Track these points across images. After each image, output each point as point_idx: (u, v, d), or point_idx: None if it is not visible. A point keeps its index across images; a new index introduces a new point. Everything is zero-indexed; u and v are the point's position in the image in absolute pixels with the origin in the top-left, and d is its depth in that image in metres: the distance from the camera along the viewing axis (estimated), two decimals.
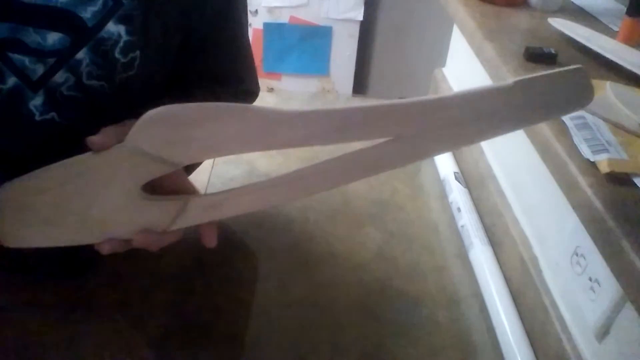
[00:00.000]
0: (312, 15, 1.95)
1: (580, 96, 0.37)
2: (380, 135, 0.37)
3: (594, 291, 0.45)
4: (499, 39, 0.65)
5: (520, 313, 0.56)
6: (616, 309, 0.43)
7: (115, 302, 0.55)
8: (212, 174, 0.73)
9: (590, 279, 0.46)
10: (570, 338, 0.48)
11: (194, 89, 0.54)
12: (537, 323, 0.53)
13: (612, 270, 0.38)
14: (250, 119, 0.36)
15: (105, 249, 0.42)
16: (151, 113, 0.36)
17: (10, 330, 0.51)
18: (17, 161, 0.46)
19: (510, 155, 0.68)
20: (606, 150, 0.44)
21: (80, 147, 0.39)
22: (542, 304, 0.52)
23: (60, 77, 0.43)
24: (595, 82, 0.55)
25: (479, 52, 0.68)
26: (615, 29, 0.70)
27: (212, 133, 0.36)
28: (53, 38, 0.42)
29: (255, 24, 1.96)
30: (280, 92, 1.95)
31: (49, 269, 0.55)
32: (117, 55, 0.45)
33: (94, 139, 0.38)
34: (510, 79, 0.35)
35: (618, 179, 0.42)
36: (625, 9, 0.66)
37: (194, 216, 0.41)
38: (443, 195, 0.75)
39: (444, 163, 0.80)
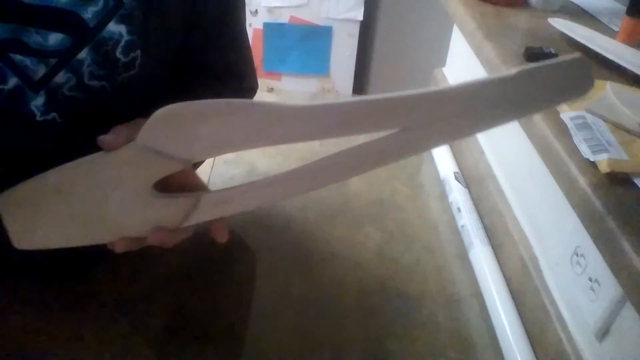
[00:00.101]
0: (312, 15, 1.95)
1: (581, 84, 0.37)
2: (386, 127, 0.37)
3: (594, 291, 0.45)
4: (499, 39, 0.65)
5: (520, 313, 0.56)
6: (616, 309, 0.43)
7: (115, 302, 0.55)
8: (212, 174, 0.73)
9: (590, 279, 0.46)
10: (570, 338, 0.48)
11: (195, 87, 0.54)
12: (537, 323, 0.53)
13: (612, 270, 0.38)
14: (259, 114, 0.36)
15: (119, 248, 0.42)
16: (161, 111, 0.36)
17: (11, 331, 0.51)
18: (17, 161, 0.46)
19: (510, 155, 0.68)
20: (606, 150, 0.44)
21: (80, 148, 0.40)
22: (542, 304, 0.52)
23: (61, 77, 0.43)
24: (595, 82, 0.55)
25: (479, 52, 0.68)
26: (615, 29, 0.70)
27: (222, 129, 0.37)
28: (55, 38, 0.42)
29: (255, 24, 1.96)
30: (280, 92, 1.95)
31: (49, 269, 0.56)
32: (118, 55, 0.45)
33: (105, 138, 0.38)
34: (512, 69, 0.35)
35: (618, 179, 0.42)
36: (625, 9, 0.66)
37: (205, 212, 0.41)
38: (443, 195, 0.75)
39: (444, 163, 0.80)
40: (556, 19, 0.70)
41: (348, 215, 0.71)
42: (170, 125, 0.37)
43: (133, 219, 0.41)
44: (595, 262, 0.45)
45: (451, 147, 0.84)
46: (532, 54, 0.60)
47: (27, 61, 0.42)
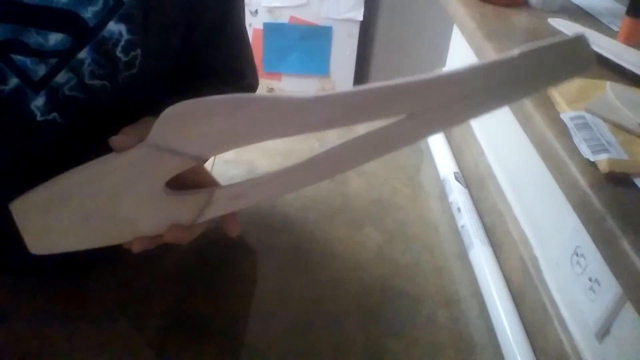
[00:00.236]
0: (312, 15, 1.95)
1: (583, 61, 0.38)
2: (392, 113, 0.38)
3: (594, 291, 0.45)
4: (499, 39, 0.65)
5: (520, 313, 0.56)
6: (616, 309, 0.43)
7: (115, 302, 0.55)
8: (212, 174, 0.73)
9: (590, 279, 0.46)
10: (570, 338, 0.48)
11: (196, 86, 0.54)
12: (537, 323, 0.53)
13: (612, 270, 0.38)
14: (268, 107, 0.37)
15: (135, 247, 0.42)
16: (171, 109, 0.36)
17: (11, 331, 0.51)
18: (18, 162, 0.46)
19: (510, 155, 0.68)
20: (606, 150, 0.44)
21: (81, 148, 0.40)
22: (542, 304, 0.52)
23: (62, 77, 0.43)
24: (595, 82, 0.55)
25: (479, 52, 0.68)
26: (615, 29, 0.70)
27: (233, 124, 0.37)
28: (55, 38, 0.42)
29: (255, 24, 1.97)
30: (280, 92, 1.95)
31: (49, 270, 0.56)
32: (118, 54, 0.45)
33: (115, 139, 0.39)
34: (515, 50, 0.36)
35: (618, 179, 0.42)
36: (625, 9, 0.66)
37: (219, 207, 0.41)
38: (443, 195, 0.75)
39: (444, 163, 0.80)
40: (556, 19, 0.70)
41: (348, 215, 0.71)
42: (181, 122, 0.37)
43: (148, 218, 0.41)
44: (595, 262, 0.45)
45: (451, 147, 0.84)
46: None
47: (28, 61, 0.42)
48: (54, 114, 0.44)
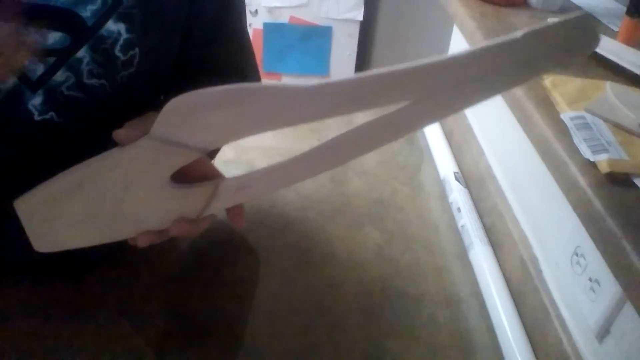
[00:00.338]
0: (312, 15, 1.95)
1: (587, 40, 0.37)
2: (400, 98, 0.37)
3: (594, 291, 0.45)
4: None
5: (520, 313, 0.56)
6: (616, 309, 0.43)
7: (115, 303, 0.55)
8: None
9: (590, 279, 0.46)
10: (570, 338, 0.48)
11: (197, 84, 0.54)
12: (537, 323, 0.53)
13: (612, 270, 0.38)
14: (272, 95, 0.36)
15: (141, 242, 0.42)
16: (174, 101, 0.36)
17: (11, 331, 0.51)
18: (16, 161, 0.46)
19: (510, 155, 0.68)
20: (606, 150, 0.44)
21: (79, 147, 0.39)
22: (542, 304, 0.52)
23: (60, 76, 0.43)
24: (595, 82, 0.55)
25: None
26: (615, 29, 0.70)
27: (237, 114, 0.37)
28: (53, 37, 0.42)
29: (255, 24, 1.96)
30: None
31: (49, 269, 0.56)
32: (117, 53, 0.45)
33: (119, 133, 0.38)
34: (518, 32, 0.36)
35: (618, 179, 0.42)
36: (625, 9, 0.66)
37: (225, 199, 0.41)
38: (443, 195, 0.75)
39: (444, 163, 0.80)
40: (556, 19, 0.69)
41: (348, 215, 0.71)
42: (184, 114, 0.36)
43: (153, 212, 0.41)
44: (595, 262, 0.45)
45: (451, 147, 0.84)
46: None
47: (26, 60, 0.42)
48: (51, 113, 0.44)
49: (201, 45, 0.53)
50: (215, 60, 0.56)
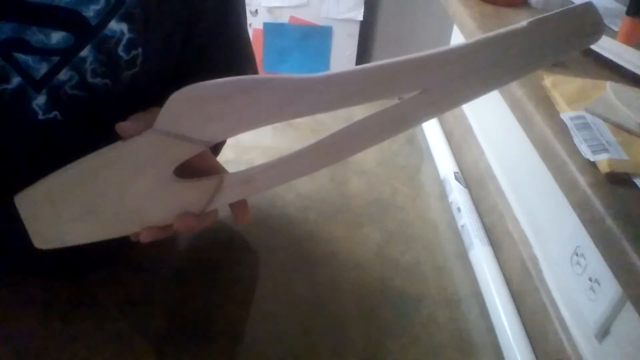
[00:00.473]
0: (312, 15, 1.95)
1: (592, 29, 0.37)
2: (406, 89, 0.37)
3: (594, 291, 0.45)
4: None
5: (520, 313, 0.56)
6: (616, 309, 0.43)
7: (115, 302, 0.55)
8: None
9: (590, 279, 0.46)
10: (570, 338, 0.48)
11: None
12: (537, 323, 0.53)
13: (612, 270, 0.38)
14: (276, 88, 0.36)
15: (144, 238, 0.42)
16: (178, 94, 0.36)
17: (11, 331, 0.51)
18: (20, 161, 0.46)
19: (510, 155, 0.68)
20: (606, 150, 0.44)
21: (82, 147, 0.40)
22: (542, 304, 0.52)
23: (64, 75, 0.43)
24: (595, 82, 0.55)
25: None
26: (615, 29, 0.70)
27: (240, 107, 0.36)
28: (57, 37, 0.42)
29: (255, 24, 1.97)
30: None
31: (48, 269, 0.56)
32: (120, 53, 0.45)
33: (123, 125, 0.38)
34: (523, 21, 0.36)
35: (618, 179, 0.42)
36: (625, 9, 0.66)
37: (229, 193, 0.41)
38: (443, 195, 0.75)
39: (444, 163, 0.80)
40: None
41: (348, 215, 0.71)
42: (188, 107, 0.36)
43: (157, 206, 0.40)
44: (595, 262, 0.45)
45: (451, 147, 0.84)
46: None
47: (29, 60, 0.42)
48: (55, 113, 0.44)
49: (202, 46, 0.53)
50: (216, 60, 0.56)
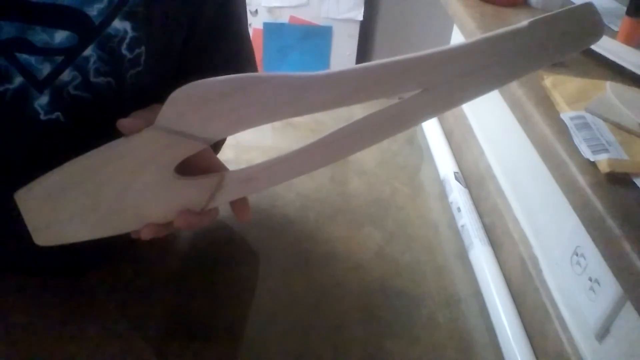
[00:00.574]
0: (312, 15, 1.95)
1: (591, 31, 0.37)
2: (407, 88, 0.37)
3: (594, 291, 0.45)
4: None
5: (520, 313, 0.56)
6: (616, 309, 0.43)
7: (115, 302, 0.55)
8: None
9: (590, 279, 0.46)
10: (570, 338, 0.48)
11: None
12: (537, 323, 0.53)
13: (612, 270, 0.38)
14: (277, 85, 0.36)
15: (145, 235, 0.41)
16: (179, 91, 0.36)
17: (11, 331, 0.51)
18: (22, 161, 0.46)
19: (510, 155, 0.68)
20: (606, 150, 0.44)
21: (84, 147, 0.39)
22: (542, 304, 0.52)
23: (67, 75, 0.43)
24: (595, 82, 0.55)
25: None
26: (615, 29, 0.70)
27: (241, 104, 0.36)
28: (60, 36, 0.42)
29: (255, 24, 1.96)
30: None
31: (48, 269, 0.56)
32: (123, 51, 0.45)
33: (124, 122, 0.38)
34: (524, 21, 0.36)
35: (618, 179, 0.42)
36: (625, 9, 0.66)
37: (230, 191, 0.41)
38: (443, 195, 0.75)
39: (444, 163, 0.80)
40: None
41: (348, 215, 0.71)
42: (189, 104, 0.36)
43: (157, 204, 0.40)
44: (595, 262, 0.45)
45: (451, 147, 0.84)
46: None
47: (32, 60, 0.42)
48: (57, 113, 0.44)
49: (202, 44, 0.53)
50: (217, 59, 0.56)
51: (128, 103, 0.44)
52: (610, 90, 0.53)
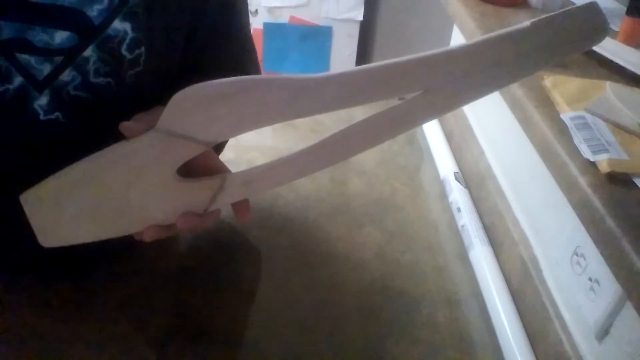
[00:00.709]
0: (312, 15, 1.95)
1: (596, 29, 0.37)
2: (409, 90, 0.37)
3: (594, 291, 0.45)
4: None
5: (520, 313, 0.56)
6: (616, 309, 0.43)
7: (115, 302, 0.55)
8: None
9: (590, 279, 0.46)
10: (570, 338, 0.48)
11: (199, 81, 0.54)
12: (537, 323, 0.53)
13: (612, 270, 0.38)
14: (278, 88, 0.36)
15: (147, 236, 0.42)
16: (181, 93, 0.36)
17: (11, 330, 0.51)
18: (21, 162, 0.46)
19: (510, 155, 0.68)
20: (606, 150, 0.44)
21: (84, 148, 0.40)
22: (542, 304, 0.52)
23: (66, 75, 0.43)
24: (595, 82, 0.55)
25: None
26: (615, 29, 0.70)
27: (243, 106, 0.37)
28: (61, 37, 0.42)
29: (255, 24, 1.96)
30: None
31: (49, 269, 0.56)
32: (123, 52, 0.45)
33: (126, 125, 0.38)
34: (527, 21, 0.35)
35: (618, 179, 0.42)
36: (625, 9, 0.66)
37: (232, 193, 0.41)
38: (443, 195, 0.75)
39: (444, 163, 0.80)
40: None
41: (348, 215, 0.71)
42: (191, 106, 0.36)
43: (159, 206, 0.41)
44: (595, 262, 0.45)
45: (451, 147, 0.84)
46: None
47: (32, 60, 0.42)
48: (57, 114, 0.44)
49: (204, 45, 0.53)
50: (218, 60, 0.56)
51: (128, 103, 0.44)
52: (610, 90, 0.53)
